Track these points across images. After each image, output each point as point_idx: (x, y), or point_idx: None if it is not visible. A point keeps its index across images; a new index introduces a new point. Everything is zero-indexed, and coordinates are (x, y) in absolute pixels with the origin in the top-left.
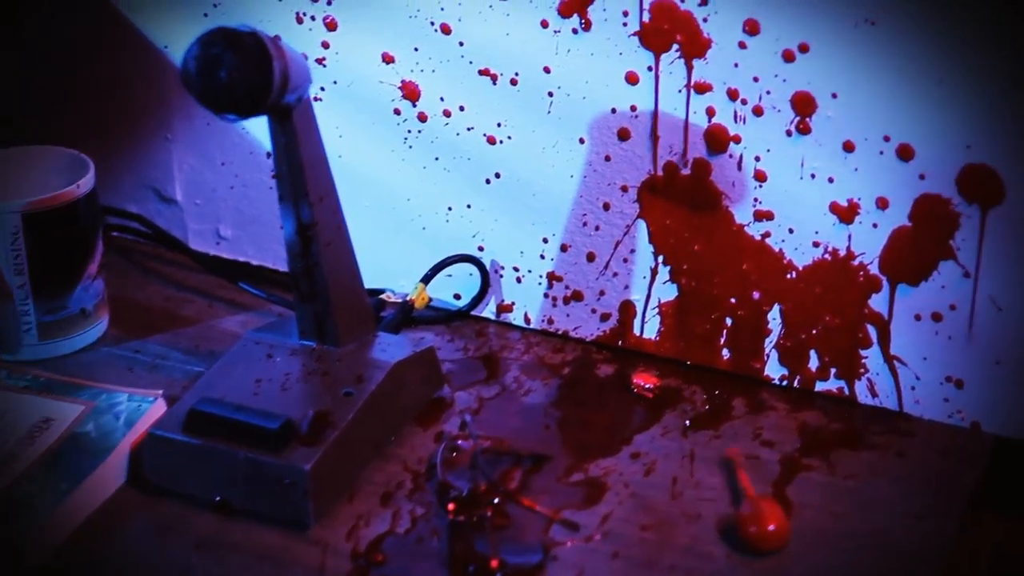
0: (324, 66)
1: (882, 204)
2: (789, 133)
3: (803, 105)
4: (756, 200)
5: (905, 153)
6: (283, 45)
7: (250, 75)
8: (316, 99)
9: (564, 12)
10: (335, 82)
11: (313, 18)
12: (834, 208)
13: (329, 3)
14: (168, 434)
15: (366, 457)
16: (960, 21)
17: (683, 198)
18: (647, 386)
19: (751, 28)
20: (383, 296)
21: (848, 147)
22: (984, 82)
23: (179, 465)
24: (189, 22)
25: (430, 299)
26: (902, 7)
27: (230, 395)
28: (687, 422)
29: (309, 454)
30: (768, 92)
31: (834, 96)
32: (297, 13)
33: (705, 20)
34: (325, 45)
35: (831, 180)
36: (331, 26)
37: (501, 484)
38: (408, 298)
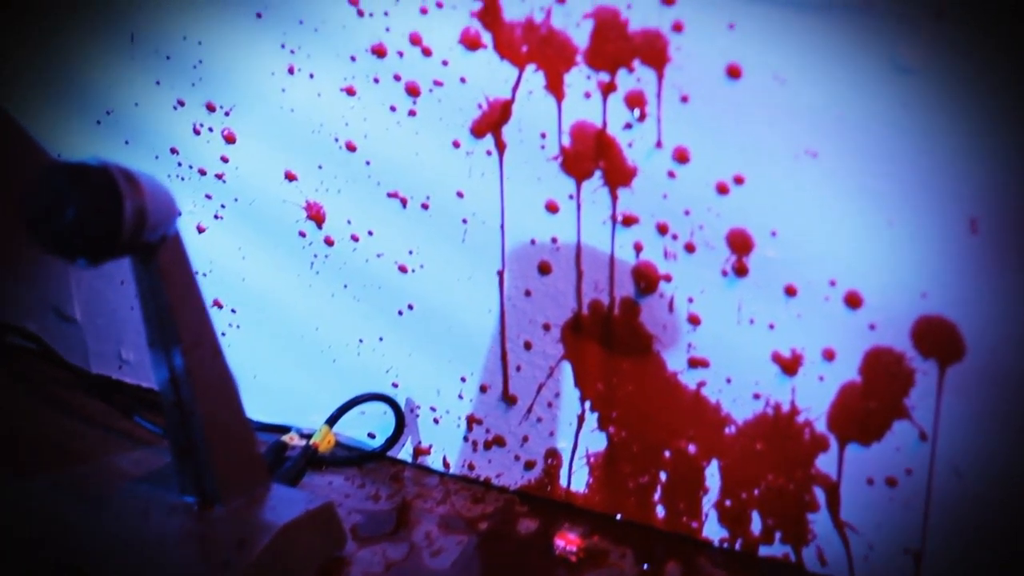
0: (224, 181)
1: (829, 356)
2: (725, 273)
3: (739, 243)
4: (690, 345)
5: (853, 300)
6: (141, 179)
7: (98, 216)
8: (217, 217)
9: (477, 132)
10: (236, 199)
11: (211, 130)
12: (776, 358)
13: (227, 114)
14: None
15: None
16: (913, 155)
17: (611, 340)
18: (571, 548)
19: (680, 156)
20: (286, 438)
21: (790, 291)
22: (939, 224)
23: None
24: (83, 130)
25: (336, 442)
26: (848, 136)
27: (93, 564)
28: None
29: None
30: (701, 227)
31: (773, 234)
32: (194, 124)
33: (630, 145)
34: (224, 159)
35: (772, 327)
36: (230, 139)
37: None
38: (312, 442)
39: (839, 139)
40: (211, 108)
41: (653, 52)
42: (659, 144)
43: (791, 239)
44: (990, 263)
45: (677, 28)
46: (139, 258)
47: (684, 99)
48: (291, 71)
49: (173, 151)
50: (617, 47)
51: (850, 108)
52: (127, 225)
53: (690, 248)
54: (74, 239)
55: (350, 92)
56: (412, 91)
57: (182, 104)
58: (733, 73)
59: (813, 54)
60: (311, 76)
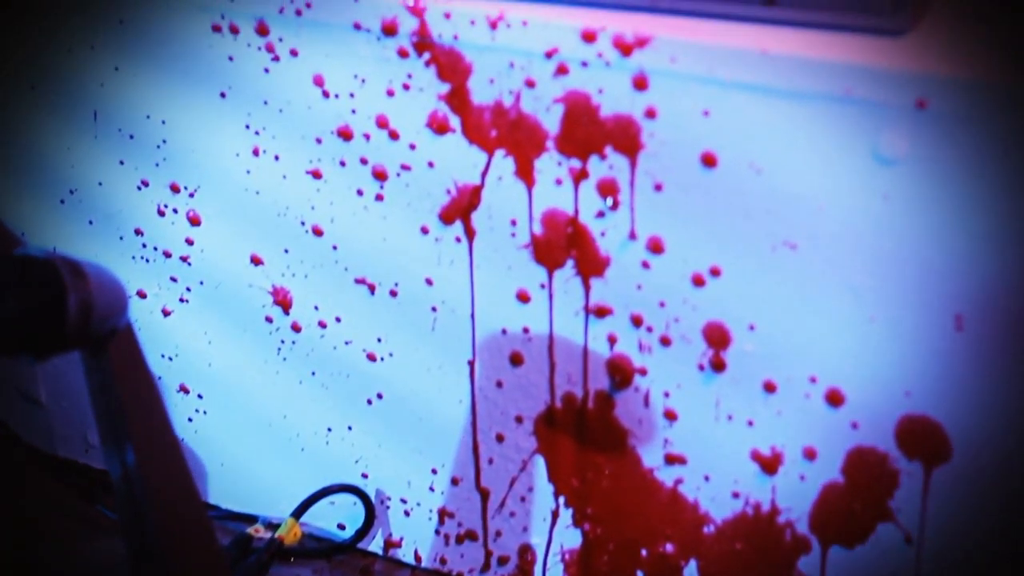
0: (189, 264)
1: (810, 455)
2: (702, 367)
3: (716, 337)
4: (667, 441)
5: (834, 398)
6: (89, 270)
7: (40, 310)
8: (182, 300)
9: (445, 218)
10: (201, 283)
11: (176, 211)
12: (755, 456)
13: (192, 195)
14: None
15: None
16: (895, 249)
17: (585, 434)
18: None
19: (655, 246)
20: (251, 530)
21: (769, 387)
22: (923, 321)
23: None
24: (47, 209)
25: (304, 533)
26: (827, 229)
27: None
28: None
29: None
30: (676, 320)
31: (751, 328)
32: (158, 205)
33: (603, 234)
34: (189, 241)
35: (751, 424)
36: (195, 221)
37: None
38: (277, 535)
39: (818, 232)
40: (175, 189)
41: (626, 138)
42: (633, 234)
43: (770, 334)
44: (976, 361)
45: (650, 114)
46: (88, 352)
47: (658, 187)
48: (256, 152)
49: (138, 232)
50: (588, 133)
51: (829, 200)
52: (72, 319)
53: (666, 341)
54: (16, 334)
55: (316, 175)
56: (379, 175)
57: (146, 184)
58: (708, 161)
59: (791, 143)
60: (276, 158)
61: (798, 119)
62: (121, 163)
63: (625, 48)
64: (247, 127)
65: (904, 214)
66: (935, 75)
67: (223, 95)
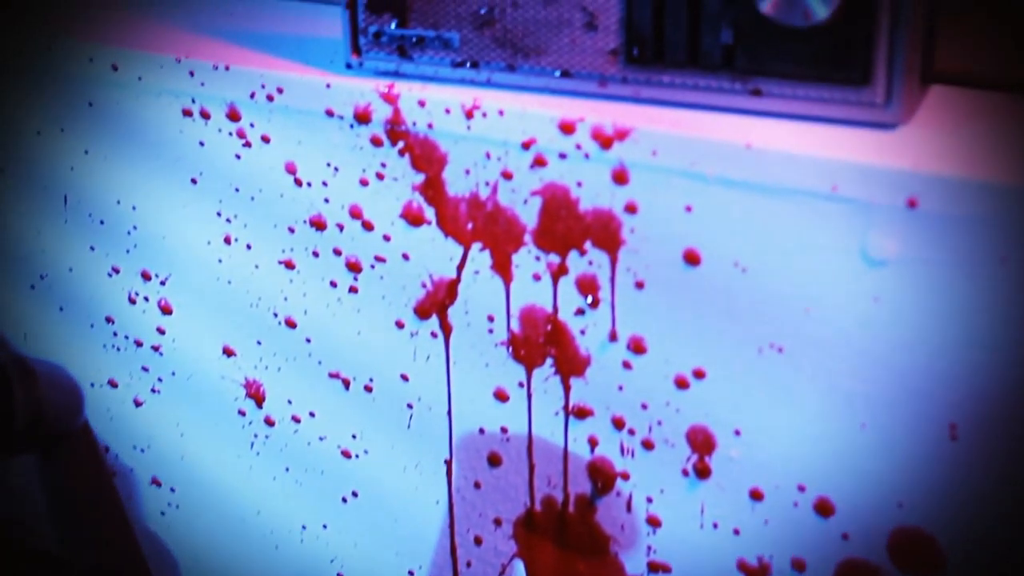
0: (161, 354)
1: (799, 566)
2: (686, 473)
3: (701, 441)
4: (650, 548)
5: (824, 508)
6: (40, 369)
7: None
8: (154, 391)
9: (421, 312)
10: (173, 373)
11: (147, 299)
12: (742, 566)
13: (163, 283)
14: None
15: None
16: (886, 353)
17: (565, 539)
18: None
19: (636, 346)
20: None
21: (756, 495)
22: (916, 429)
23: None
24: (16, 295)
25: None
26: (815, 331)
27: None
28: None
29: None
30: (659, 423)
31: (737, 433)
32: (129, 293)
33: (583, 332)
34: (161, 331)
35: (737, 532)
36: (166, 310)
37: None
38: None
39: (806, 334)
40: (147, 276)
41: (606, 234)
42: (614, 333)
43: (756, 439)
44: (971, 473)
45: (630, 209)
46: (40, 455)
47: (639, 285)
48: (228, 241)
49: (109, 320)
50: (567, 227)
51: (817, 301)
52: (19, 422)
53: (648, 445)
54: None
55: (289, 265)
56: (353, 267)
57: (117, 271)
58: (691, 259)
59: (776, 242)
60: (248, 247)
61: (784, 216)
62: (92, 249)
63: (604, 140)
64: (219, 214)
65: (895, 317)
66: (927, 173)
67: (194, 181)
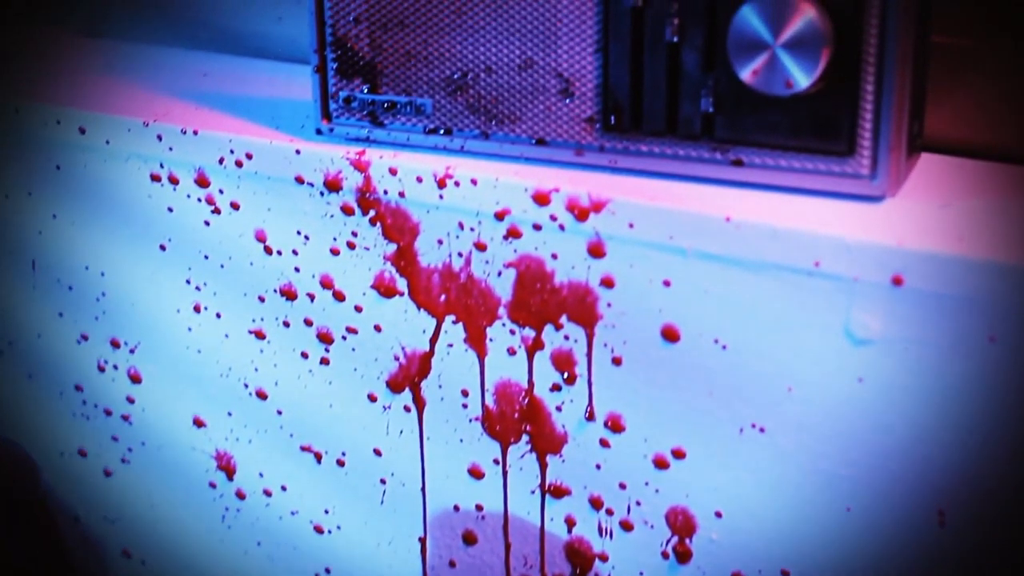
0: (131, 424)
1: None
2: (666, 555)
3: (681, 523)
4: None
5: None
6: None
7: None
8: (124, 461)
9: (394, 386)
10: (143, 443)
11: (116, 367)
12: None
13: (132, 351)
14: None
15: None
16: (872, 436)
17: None
18: None
19: (614, 424)
20: None
21: None
22: (903, 514)
23: None
24: None
25: None
26: (798, 411)
27: None
28: None
29: None
30: (638, 503)
31: (718, 515)
32: (99, 360)
33: (559, 409)
34: (130, 400)
35: None
36: (135, 378)
37: None
38: None
39: (789, 414)
40: (116, 344)
41: (582, 308)
42: (591, 409)
43: (738, 522)
44: (959, 561)
45: (607, 283)
46: None
47: (616, 361)
48: (197, 309)
49: (78, 388)
50: (543, 301)
51: (800, 380)
52: None
53: (627, 526)
54: None
55: (259, 335)
56: (324, 338)
57: (86, 338)
58: (670, 335)
59: (757, 318)
60: (218, 315)
61: (765, 292)
62: (60, 315)
63: (580, 212)
64: (188, 282)
65: (881, 399)
66: (914, 248)
67: (163, 247)
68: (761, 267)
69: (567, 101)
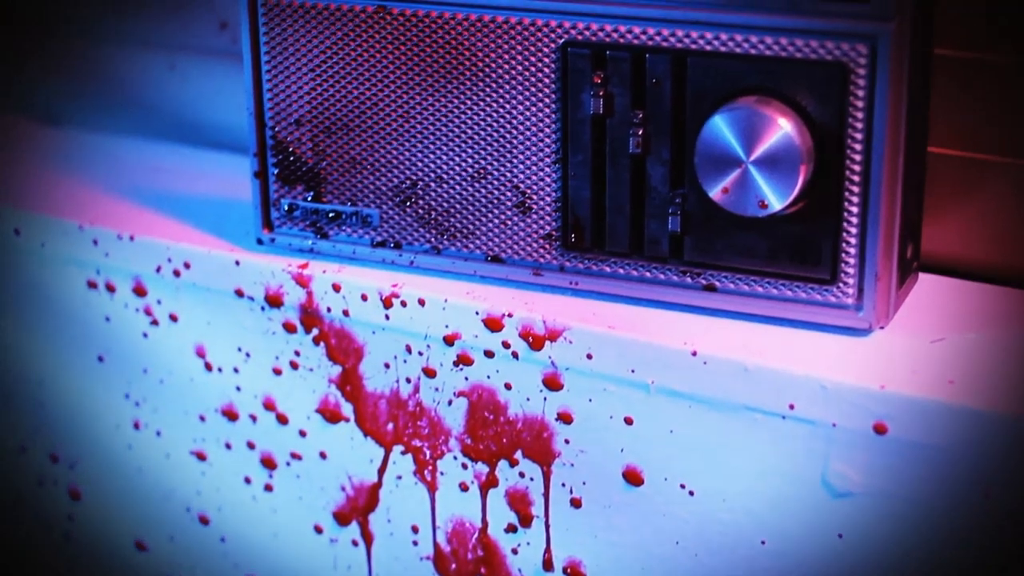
0: (71, 543)
1: None
2: None
3: None
4: None
5: None
6: None
7: None
8: None
9: (340, 518)
10: (85, 566)
11: (55, 483)
12: None
13: (71, 467)
14: None
15: None
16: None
17: None
18: None
19: (573, 572)
20: None
21: None
22: None
23: None
24: None
25: None
26: (775, 565)
27: None
28: None
29: None
30: None
31: None
32: (38, 475)
33: (515, 552)
34: (71, 517)
35: None
36: (75, 495)
37: None
38: None
39: (762, 569)
40: (55, 459)
41: (538, 444)
42: (549, 555)
43: None
44: None
45: (564, 418)
46: None
47: (575, 503)
48: (137, 426)
49: (16, 503)
50: (496, 434)
51: (775, 533)
52: None
53: None
54: None
55: (200, 456)
56: (268, 463)
57: (24, 450)
58: (632, 478)
59: (728, 465)
60: (158, 433)
61: (735, 435)
62: None
63: (535, 340)
64: (127, 396)
65: (861, 557)
66: (898, 393)
67: (101, 359)
68: (731, 407)
69: (524, 216)
